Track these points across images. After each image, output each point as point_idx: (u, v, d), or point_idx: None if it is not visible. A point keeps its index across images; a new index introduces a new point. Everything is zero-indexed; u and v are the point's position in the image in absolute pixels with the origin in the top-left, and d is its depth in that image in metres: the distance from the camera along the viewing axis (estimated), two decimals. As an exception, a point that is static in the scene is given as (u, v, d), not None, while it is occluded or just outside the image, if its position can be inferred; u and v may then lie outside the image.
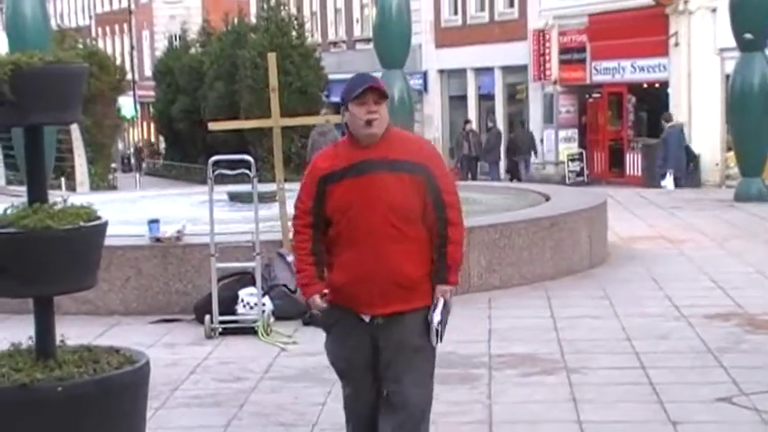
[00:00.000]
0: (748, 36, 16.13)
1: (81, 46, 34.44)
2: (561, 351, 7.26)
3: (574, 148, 28.83)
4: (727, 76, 20.45)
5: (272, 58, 9.07)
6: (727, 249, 11.67)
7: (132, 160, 49.99)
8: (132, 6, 58.24)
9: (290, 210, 9.26)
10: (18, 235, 4.81)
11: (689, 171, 22.86)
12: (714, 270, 10.20)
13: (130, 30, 58.61)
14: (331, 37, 41.47)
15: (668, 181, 21.52)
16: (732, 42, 17.20)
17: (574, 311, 8.55)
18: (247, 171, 8.08)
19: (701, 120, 24.22)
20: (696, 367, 6.78)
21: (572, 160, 28.10)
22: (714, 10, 23.49)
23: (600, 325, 8.06)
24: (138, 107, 54.81)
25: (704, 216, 14.65)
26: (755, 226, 13.60)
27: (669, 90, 25.48)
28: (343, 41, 40.70)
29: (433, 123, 35.34)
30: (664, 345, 7.39)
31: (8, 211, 4.93)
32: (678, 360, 6.90)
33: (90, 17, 63.85)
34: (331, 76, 34.30)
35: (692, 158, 23.29)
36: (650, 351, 7.15)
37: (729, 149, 21.45)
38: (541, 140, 30.20)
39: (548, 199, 11.71)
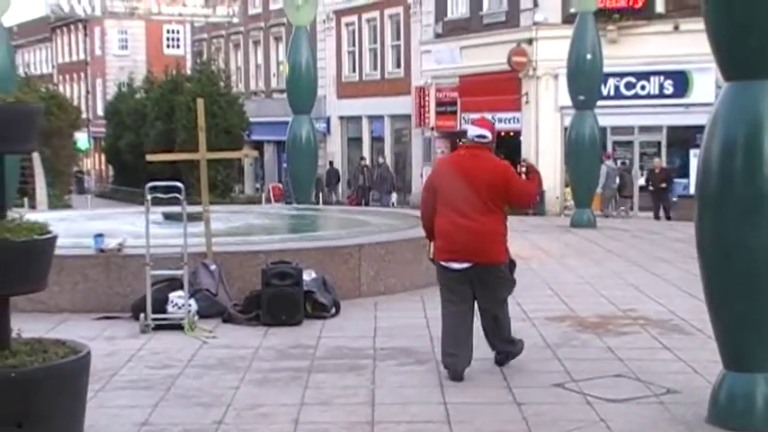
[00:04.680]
0: (581, 98, 16.48)
1: (43, 90, 33.49)
2: (432, 345, 7.25)
3: (446, 181, 29.02)
4: (566, 129, 20.87)
5: (200, 103, 8.92)
6: (563, 265, 11.86)
7: (83, 182, 48.64)
8: (88, 58, 57.08)
9: (215, 227, 9.17)
10: (-21, 245, 4.63)
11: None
12: (553, 281, 10.35)
13: (86, 77, 57.44)
14: (252, 87, 41.23)
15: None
16: (569, 102, 17.57)
17: (442, 313, 8.56)
18: (178, 195, 7.92)
19: (545, 162, 24.67)
20: (537, 359, 6.83)
21: (444, 191, 28.27)
22: (556, 76, 23.98)
23: (463, 324, 8.08)
24: (92, 141, 53.63)
25: (547, 238, 14.88)
26: (586, 247, 13.85)
27: (521, 138, 25.90)
28: (263, 91, 40.48)
29: (334, 160, 35.32)
30: (513, 341, 7.43)
31: (-29, 226, 4.75)
32: (523, 353, 6.92)
33: (53, 66, 62.33)
34: (252, 119, 34.10)
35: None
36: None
37: (567, 186, 21.86)
38: (421, 175, 30.35)
39: (424, 222, 11.72)
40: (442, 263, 6.29)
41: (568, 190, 21.02)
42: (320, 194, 27.40)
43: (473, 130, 6.48)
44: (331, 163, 31.25)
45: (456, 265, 6.21)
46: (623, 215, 22.67)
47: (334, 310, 8.46)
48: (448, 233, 6.20)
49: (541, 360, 6.81)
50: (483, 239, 6.13)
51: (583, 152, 16.53)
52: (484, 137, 6.39)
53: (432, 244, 6.46)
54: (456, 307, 6.27)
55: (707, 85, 22.78)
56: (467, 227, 6.09)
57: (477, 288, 6.25)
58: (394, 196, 30.14)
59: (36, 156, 19.85)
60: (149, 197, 7.84)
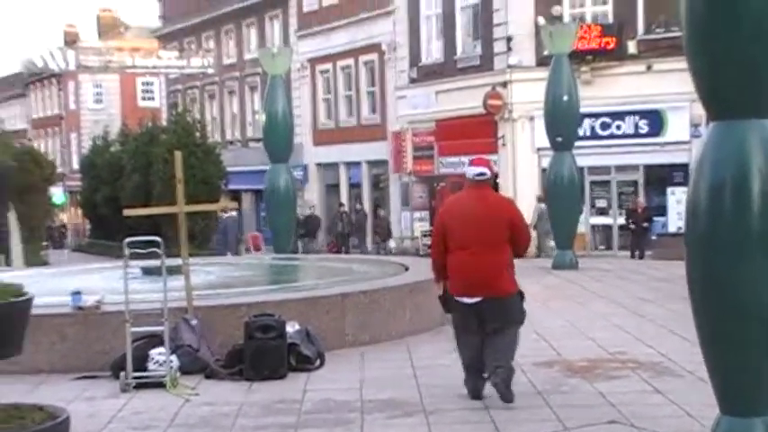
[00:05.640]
0: (559, 139, 16.51)
1: (18, 145, 33.32)
2: (420, 395, 7.13)
3: (426, 226, 29.02)
4: (543, 170, 20.91)
5: (177, 155, 8.83)
6: (548, 308, 11.74)
7: (64, 236, 48.19)
8: (63, 113, 56.97)
9: (195, 280, 9.02)
10: (-48, 310, 4.49)
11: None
12: (539, 325, 10.16)
13: (61, 132, 57.27)
14: (228, 137, 41.22)
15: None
16: (546, 143, 17.60)
17: (429, 362, 8.43)
18: (157, 249, 7.78)
19: (524, 204, 24.55)
20: (528, 407, 6.70)
21: (424, 236, 28.26)
22: (532, 118, 24.12)
23: (451, 373, 7.89)
24: (68, 195, 53.30)
25: (529, 281, 14.63)
26: (569, 288, 13.77)
27: (498, 180, 25.94)
28: (239, 140, 40.48)
29: (314, 207, 35.24)
30: (502, 388, 7.30)
31: (-55, 290, 4.61)
32: (515, 400, 6.81)
33: (28, 122, 62.15)
34: (229, 169, 34.01)
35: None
36: (492, 394, 7.05)
37: (546, 227, 21.80)
38: (399, 221, 30.35)
39: (407, 269, 11.64)
40: (456, 297, 6.78)
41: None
42: (299, 243, 27.24)
43: (472, 170, 6.84)
44: (311, 209, 31.27)
45: (468, 300, 6.68)
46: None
47: (318, 362, 8.30)
48: (459, 269, 6.68)
49: (532, 407, 6.68)
50: (491, 273, 6.60)
51: (562, 193, 16.51)
52: (483, 174, 6.81)
53: (442, 282, 6.94)
54: (470, 337, 6.79)
55: (681, 123, 22.99)
56: (476, 262, 6.56)
57: (488, 319, 6.66)
58: (392, 243, 29.75)
59: (11, 213, 19.64)
60: (128, 252, 7.71)
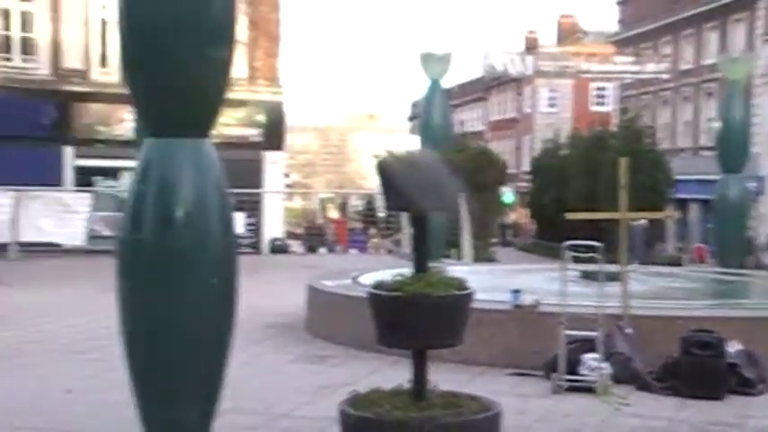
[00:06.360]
0: None
1: (474, 146, 35.21)
2: None
3: None
4: None
5: (623, 161, 8.78)
6: None
7: (513, 234, 50.04)
8: (518, 116, 59.45)
9: (632, 288, 8.89)
10: (402, 298, 4.88)
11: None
12: None
13: (515, 134, 59.76)
14: (679, 144, 40.01)
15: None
16: None
17: None
18: (596, 254, 7.79)
19: None
20: None
21: None
22: None
23: None
24: (517, 195, 55.38)
25: None
26: None
27: None
28: (690, 148, 39.11)
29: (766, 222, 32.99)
30: None
31: (396, 278, 5.02)
32: None
33: (485, 124, 65.72)
34: (677, 177, 33.03)
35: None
36: None
37: None
38: None
39: None
40: None
41: None
42: (752, 258, 25.59)
43: None
44: None
45: None
46: None
47: (761, 387, 7.75)
48: None
49: None
50: None
51: None
52: None
53: None
54: None
55: None
56: None
57: None
58: None
59: (464, 210, 20.84)
60: (568, 255, 7.81)
